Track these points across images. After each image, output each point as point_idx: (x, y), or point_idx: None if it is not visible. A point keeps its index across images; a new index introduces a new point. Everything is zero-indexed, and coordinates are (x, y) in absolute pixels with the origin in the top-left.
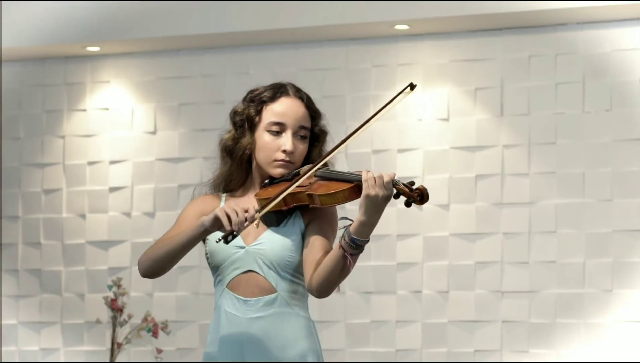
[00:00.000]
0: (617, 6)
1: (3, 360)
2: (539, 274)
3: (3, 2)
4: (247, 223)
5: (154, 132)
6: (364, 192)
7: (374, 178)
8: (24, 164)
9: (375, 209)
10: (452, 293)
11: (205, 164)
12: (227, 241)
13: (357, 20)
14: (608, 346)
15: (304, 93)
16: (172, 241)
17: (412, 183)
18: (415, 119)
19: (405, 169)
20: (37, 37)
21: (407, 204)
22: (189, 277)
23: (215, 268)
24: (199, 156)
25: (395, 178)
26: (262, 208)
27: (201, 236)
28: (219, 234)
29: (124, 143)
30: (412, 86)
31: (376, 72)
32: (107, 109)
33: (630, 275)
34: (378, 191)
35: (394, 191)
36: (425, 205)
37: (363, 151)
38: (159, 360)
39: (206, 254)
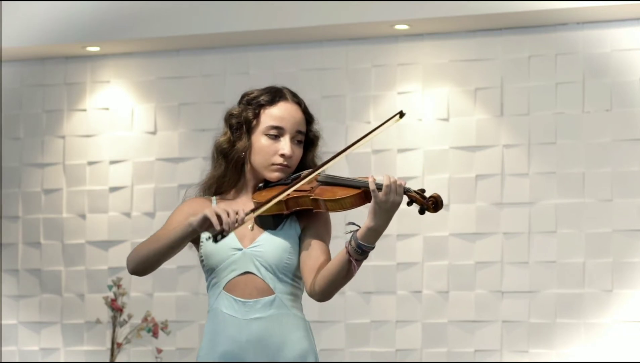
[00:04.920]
0: (617, 6)
1: (3, 360)
2: (539, 274)
3: (3, 2)
4: (237, 224)
5: (154, 133)
6: (375, 198)
7: (388, 185)
8: (24, 164)
9: (385, 216)
10: (452, 293)
11: (205, 164)
12: (215, 240)
13: (357, 20)
14: (608, 346)
15: (300, 98)
16: (160, 241)
17: (423, 191)
18: (415, 119)
19: (405, 169)
20: (37, 37)
21: (421, 211)
22: (188, 277)
23: (211, 270)
24: (198, 156)
25: (407, 185)
26: (254, 209)
27: (189, 235)
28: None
29: (124, 142)
30: (401, 114)
31: (376, 72)
32: (107, 109)
33: (630, 275)
34: (389, 198)
35: (406, 198)
36: None
37: (363, 151)
38: (159, 360)
39: (200, 257)
